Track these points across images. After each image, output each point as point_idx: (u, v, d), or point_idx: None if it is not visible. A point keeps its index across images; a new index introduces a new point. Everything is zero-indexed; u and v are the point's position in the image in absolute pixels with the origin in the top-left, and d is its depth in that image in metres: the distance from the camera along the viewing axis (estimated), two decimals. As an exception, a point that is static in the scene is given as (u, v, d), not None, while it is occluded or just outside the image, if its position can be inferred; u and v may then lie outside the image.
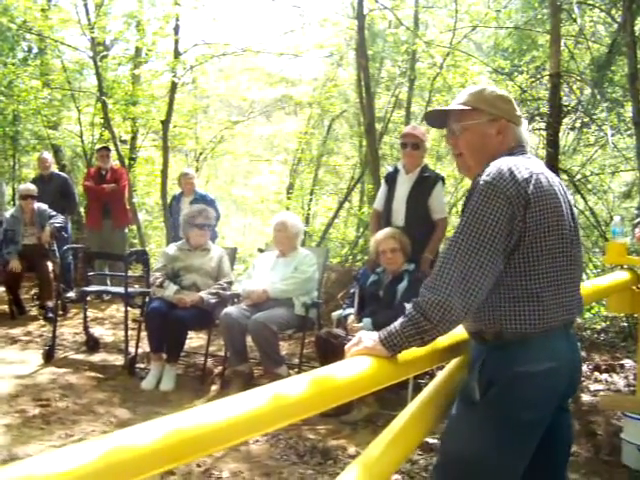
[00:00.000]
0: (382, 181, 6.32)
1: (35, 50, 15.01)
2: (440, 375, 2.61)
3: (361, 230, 12.57)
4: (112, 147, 11.57)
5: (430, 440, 4.08)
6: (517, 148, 2.30)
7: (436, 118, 2.55)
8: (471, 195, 2.15)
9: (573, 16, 8.26)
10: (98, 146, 11.43)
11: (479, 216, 2.07)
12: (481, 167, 2.24)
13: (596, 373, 5.77)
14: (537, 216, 2.09)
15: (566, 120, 8.41)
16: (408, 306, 2.13)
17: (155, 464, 1.37)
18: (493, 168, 2.14)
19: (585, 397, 5.17)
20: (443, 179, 6.12)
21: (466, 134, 2.35)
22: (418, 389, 4.77)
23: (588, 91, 9.07)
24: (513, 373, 2.11)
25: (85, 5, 12.71)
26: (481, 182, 2.12)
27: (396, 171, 6.02)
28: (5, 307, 8.43)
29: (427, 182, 5.82)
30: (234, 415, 1.52)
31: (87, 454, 1.23)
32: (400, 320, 2.11)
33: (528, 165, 2.16)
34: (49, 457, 1.20)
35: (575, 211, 2.33)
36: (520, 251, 2.11)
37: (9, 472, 1.13)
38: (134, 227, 11.76)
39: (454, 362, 2.58)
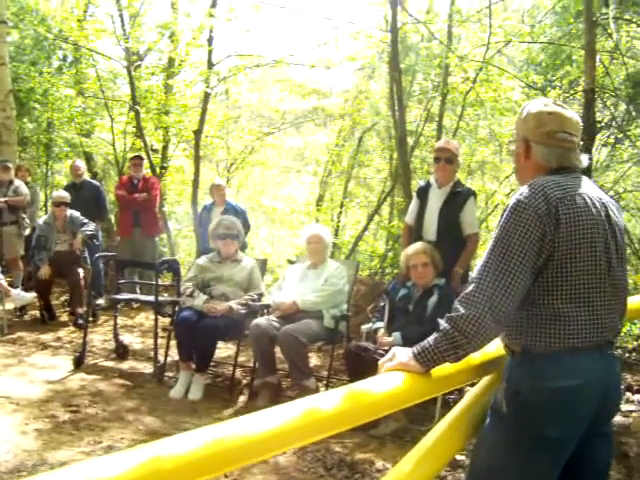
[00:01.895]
0: (414, 195, 6.30)
1: (70, 59, 15.21)
2: (471, 392, 2.60)
3: (390, 243, 12.55)
4: (144, 156, 11.68)
5: (458, 456, 4.05)
6: (560, 168, 2.27)
7: None
8: (504, 211, 2.17)
9: (609, 31, 8.18)
10: (130, 155, 11.54)
11: (510, 233, 2.09)
12: (522, 184, 2.27)
13: (628, 393, 5.69)
14: (568, 236, 2.09)
15: (599, 136, 8.35)
16: (441, 321, 2.13)
17: (192, 474, 1.38)
18: (526, 186, 2.16)
19: (617, 418, 5.10)
20: (475, 194, 6.09)
21: (514, 152, 2.43)
22: (446, 405, 4.75)
23: (622, 107, 9.01)
24: (537, 387, 2.11)
25: (120, 15, 12.87)
26: (514, 200, 2.14)
27: (428, 185, 6.00)
28: (36, 312, 8.52)
29: (459, 197, 5.80)
30: (271, 428, 1.53)
31: (127, 463, 1.24)
32: (434, 335, 2.12)
33: (564, 185, 2.15)
34: (90, 465, 1.21)
35: (621, 234, 2.29)
36: (549, 270, 2.11)
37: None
38: (164, 235, 11.82)
39: (486, 379, 2.57)
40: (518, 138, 2.36)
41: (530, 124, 2.31)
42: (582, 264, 2.11)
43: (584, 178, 2.29)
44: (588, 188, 2.23)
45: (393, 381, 2.04)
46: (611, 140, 9.62)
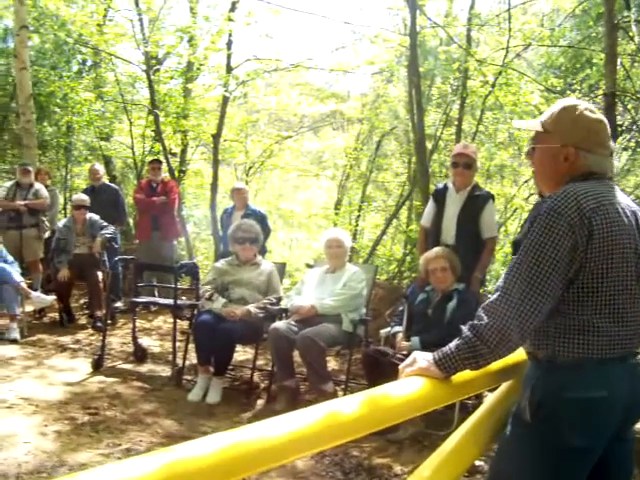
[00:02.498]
0: (430, 198, 6.27)
1: (90, 63, 15.34)
2: (491, 398, 2.58)
3: (409, 248, 12.53)
4: (162, 159, 11.73)
5: (477, 462, 4.02)
6: (592, 175, 2.20)
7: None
8: (535, 218, 2.11)
9: (630, 34, 8.13)
10: (149, 158, 11.59)
11: (541, 242, 2.04)
12: (548, 188, 2.24)
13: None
14: (600, 248, 2.04)
15: (620, 140, 8.30)
16: (464, 329, 2.11)
17: (211, 478, 1.38)
18: (560, 194, 2.09)
19: (639, 425, 5.05)
20: (493, 197, 6.07)
21: (538, 154, 2.31)
22: (465, 409, 4.73)
23: (644, 111, 8.96)
24: (563, 397, 2.08)
25: (140, 20, 12.97)
26: (547, 207, 2.08)
27: (445, 189, 5.97)
28: (55, 315, 8.57)
29: (478, 201, 5.77)
30: (291, 432, 1.53)
31: (147, 466, 1.25)
32: (455, 342, 2.10)
33: (598, 194, 2.10)
34: (110, 468, 1.21)
35: None
36: (580, 281, 2.07)
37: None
38: (182, 239, 11.87)
39: (505, 385, 2.55)
40: (555, 141, 2.24)
41: (581, 131, 2.22)
42: (614, 276, 2.07)
43: (614, 186, 2.24)
44: (619, 197, 2.18)
45: (413, 386, 2.03)
46: (632, 144, 9.56)
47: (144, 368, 6.70)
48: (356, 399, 1.83)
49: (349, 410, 1.75)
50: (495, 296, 2.09)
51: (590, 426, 2.08)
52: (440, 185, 6.24)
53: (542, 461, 2.11)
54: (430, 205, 6.11)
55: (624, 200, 2.19)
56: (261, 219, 8.06)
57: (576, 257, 2.03)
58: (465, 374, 2.14)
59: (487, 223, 5.78)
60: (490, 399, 2.57)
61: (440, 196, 5.98)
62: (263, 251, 7.58)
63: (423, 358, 2.12)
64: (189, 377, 6.25)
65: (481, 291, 5.90)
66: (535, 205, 2.21)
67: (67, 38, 13.35)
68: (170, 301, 6.68)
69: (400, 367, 2.19)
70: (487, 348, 2.03)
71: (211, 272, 6.44)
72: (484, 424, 2.42)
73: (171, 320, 6.79)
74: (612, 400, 2.08)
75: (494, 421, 2.41)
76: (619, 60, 7.89)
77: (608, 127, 2.26)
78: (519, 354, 2.38)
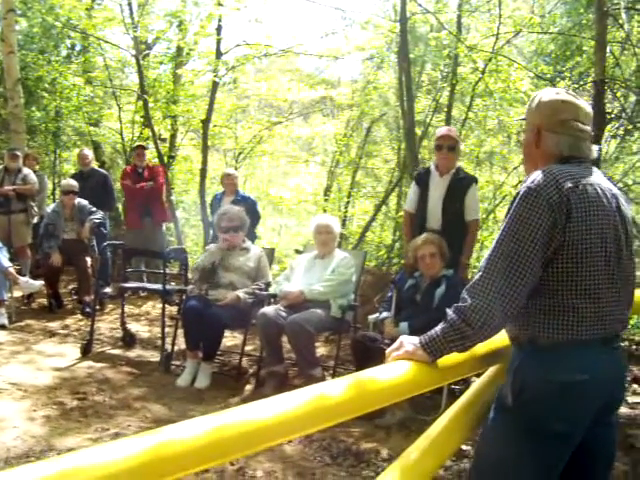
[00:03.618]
0: (412, 182, 6.25)
1: (78, 48, 15.23)
2: (477, 383, 2.59)
3: (398, 234, 12.53)
4: (152, 145, 11.69)
5: (464, 447, 4.05)
6: (571, 158, 2.23)
7: None
8: (514, 199, 2.14)
9: (620, 21, 8.13)
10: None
11: (520, 221, 2.06)
12: (529, 173, 2.25)
13: (635, 385, 5.68)
14: (578, 227, 2.06)
15: (609, 127, 8.31)
16: (449, 311, 2.11)
17: (197, 461, 1.39)
18: (538, 174, 2.12)
19: (623, 409, 5.08)
20: (477, 180, 6.10)
21: (523, 141, 2.41)
22: (452, 395, 4.76)
23: (633, 98, 8.96)
24: (544, 381, 2.09)
25: (129, 4, 12.88)
26: (524, 188, 2.10)
27: (428, 172, 5.95)
28: (44, 300, 8.55)
29: (462, 184, 5.78)
30: (277, 415, 1.54)
31: (132, 448, 1.25)
32: (441, 325, 2.11)
33: (576, 175, 2.13)
34: (96, 450, 1.22)
35: (630, 226, 2.26)
36: (559, 261, 2.08)
37: (58, 464, 1.15)
38: (171, 225, 11.84)
39: (492, 370, 2.57)
40: (529, 127, 2.33)
41: (543, 112, 2.28)
42: (592, 256, 2.08)
43: (595, 169, 2.26)
44: (599, 179, 2.20)
45: (399, 370, 2.04)
46: (621, 131, 9.56)
47: (133, 353, 6.71)
48: (342, 383, 1.83)
49: (335, 393, 1.76)
50: (477, 277, 2.10)
51: (572, 410, 2.09)
52: (422, 169, 6.24)
53: (523, 446, 2.12)
54: (413, 189, 6.09)
55: (604, 183, 2.21)
56: (252, 205, 8.05)
57: (555, 235, 2.05)
58: (451, 358, 2.15)
59: (471, 206, 5.79)
60: (476, 384, 2.59)
61: (423, 180, 5.95)
62: (252, 237, 7.56)
63: (409, 342, 2.13)
64: (178, 362, 6.25)
65: (469, 276, 5.91)
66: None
67: (55, 22, 13.23)
68: (159, 286, 6.68)
69: (387, 351, 2.20)
70: (472, 330, 2.04)
71: (202, 256, 6.43)
72: (470, 408, 2.43)
73: (160, 305, 6.80)
74: (594, 384, 2.09)
75: (480, 405, 2.42)
76: (609, 47, 7.89)
77: (583, 110, 2.28)
78: (505, 338, 2.39)
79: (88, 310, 7.79)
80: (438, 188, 5.83)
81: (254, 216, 7.76)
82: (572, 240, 2.06)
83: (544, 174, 2.11)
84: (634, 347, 6.78)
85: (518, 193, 2.14)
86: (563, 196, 2.05)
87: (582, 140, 2.26)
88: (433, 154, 6.98)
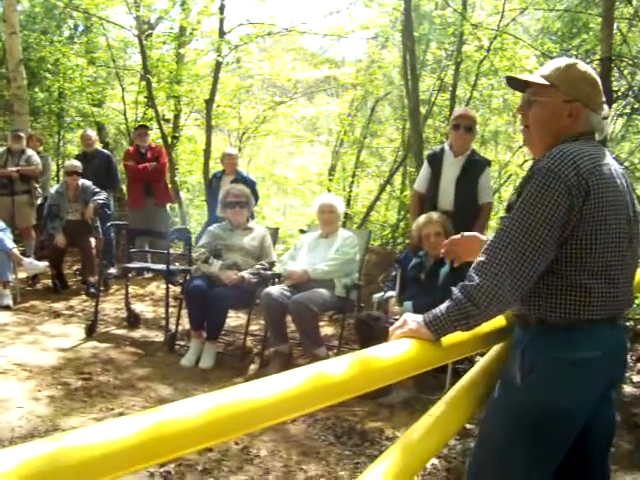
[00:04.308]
0: (425, 162, 6.17)
1: (81, 28, 15.17)
2: (481, 361, 2.58)
3: (402, 213, 12.52)
4: (155, 125, 11.64)
5: (468, 425, 4.05)
6: (585, 135, 2.18)
7: (517, 82, 2.38)
8: (529, 178, 2.08)
9: (628, -3, 8.05)
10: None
11: (537, 202, 2.01)
12: (543, 146, 2.19)
13: (639, 364, 5.66)
14: (595, 209, 2.02)
15: (615, 106, 8.25)
16: (455, 290, 2.09)
17: (199, 439, 1.38)
18: (556, 154, 2.06)
19: (628, 388, 5.08)
20: (490, 163, 6.04)
21: (537, 108, 2.24)
22: (457, 374, 4.74)
23: (640, 76, 8.89)
24: (555, 359, 2.08)
25: (132, -17, 12.78)
26: (543, 167, 2.04)
27: (442, 152, 5.87)
28: (48, 281, 8.57)
29: (476, 166, 5.73)
30: (278, 393, 1.52)
31: (133, 426, 1.24)
32: (446, 304, 2.08)
33: (593, 155, 2.08)
34: (96, 428, 1.21)
35: (637, 206, 2.23)
36: (573, 242, 2.05)
37: (60, 442, 1.14)
38: (175, 205, 11.83)
39: (495, 348, 2.55)
40: (555, 95, 2.19)
41: (587, 88, 2.20)
42: (607, 237, 2.06)
43: (603, 147, 2.22)
44: (610, 159, 2.17)
45: (402, 348, 2.02)
46: (627, 110, 9.50)
47: (137, 334, 6.72)
48: (345, 361, 1.81)
49: (338, 371, 1.74)
50: (485, 256, 2.06)
51: (581, 387, 2.09)
52: (436, 148, 6.18)
53: (532, 425, 2.11)
54: (425, 169, 6.02)
55: (613, 162, 2.18)
56: (251, 186, 8.03)
57: (572, 218, 2.01)
58: (455, 336, 2.13)
59: (484, 189, 5.75)
60: (481, 362, 2.57)
61: (436, 160, 5.88)
62: (251, 217, 7.55)
63: (413, 320, 2.11)
64: (182, 342, 6.26)
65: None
66: (530, 168, 2.17)
67: (57, 2, 13.17)
68: (163, 267, 6.67)
69: (390, 329, 2.18)
70: (477, 309, 2.01)
71: (204, 236, 6.42)
72: (474, 387, 2.42)
73: (164, 286, 6.79)
74: (603, 361, 2.09)
75: (484, 384, 2.41)
76: (616, 24, 7.80)
77: None
78: (509, 317, 2.37)
79: (92, 291, 7.81)
80: (452, 169, 5.77)
81: (253, 197, 7.74)
82: (587, 222, 2.03)
83: (562, 154, 2.05)
84: (639, 327, 6.75)
85: (533, 173, 2.08)
86: (582, 179, 2.00)
87: (603, 120, 2.23)
88: (438, 133, 6.94)
